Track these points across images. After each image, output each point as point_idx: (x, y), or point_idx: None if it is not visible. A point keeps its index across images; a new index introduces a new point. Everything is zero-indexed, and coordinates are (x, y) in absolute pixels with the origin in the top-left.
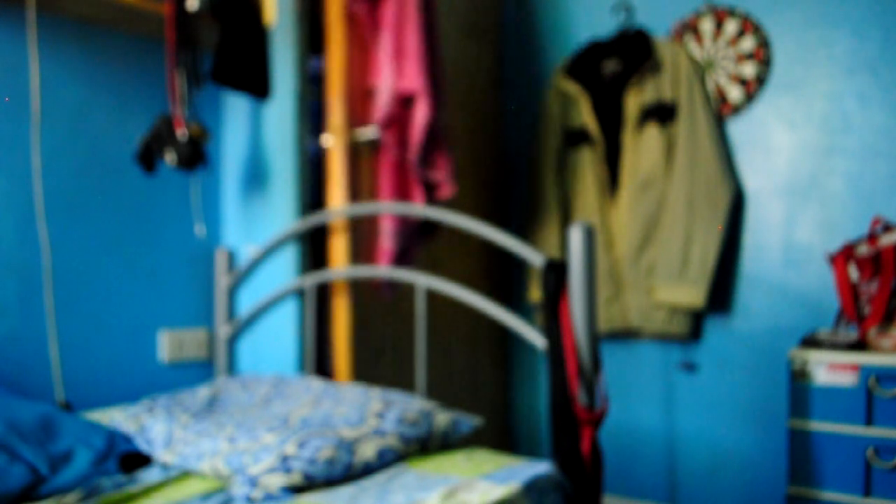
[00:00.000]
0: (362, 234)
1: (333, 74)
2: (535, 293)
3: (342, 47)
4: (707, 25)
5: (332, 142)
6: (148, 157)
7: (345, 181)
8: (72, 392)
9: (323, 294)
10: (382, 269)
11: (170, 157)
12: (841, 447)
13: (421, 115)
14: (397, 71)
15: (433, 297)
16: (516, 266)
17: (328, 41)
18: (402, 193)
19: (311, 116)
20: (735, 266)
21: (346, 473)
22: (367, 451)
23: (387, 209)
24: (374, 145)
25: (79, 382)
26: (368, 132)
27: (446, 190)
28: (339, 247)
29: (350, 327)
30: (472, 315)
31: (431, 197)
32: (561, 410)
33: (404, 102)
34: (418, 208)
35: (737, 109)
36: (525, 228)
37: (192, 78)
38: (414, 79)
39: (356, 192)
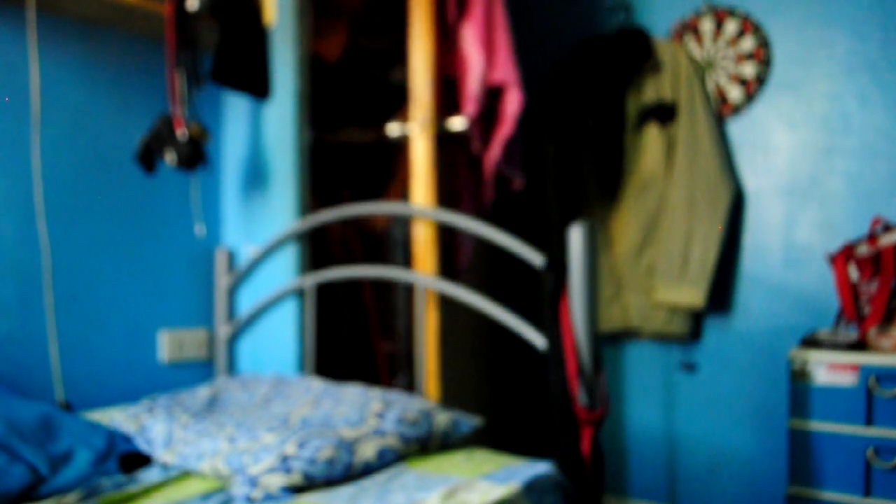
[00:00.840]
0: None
1: (418, 62)
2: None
3: (429, 34)
4: (707, 25)
5: (417, 133)
6: (148, 157)
7: (431, 175)
8: (72, 392)
9: (323, 294)
10: (380, 270)
11: (170, 157)
12: (841, 447)
13: (512, 106)
14: (488, 62)
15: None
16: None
17: (412, 28)
18: (478, 187)
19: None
20: (735, 266)
21: (346, 473)
22: (367, 451)
23: (384, 210)
24: (458, 137)
25: (79, 382)
26: (456, 123)
27: (518, 183)
28: (428, 254)
29: (439, 339)
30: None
31: (504, 190)
32: (561, 410)
33: (489, 94)
34: (419, 209)
35: (737, 109)
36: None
37: (192, 78)
38: (506, 70)
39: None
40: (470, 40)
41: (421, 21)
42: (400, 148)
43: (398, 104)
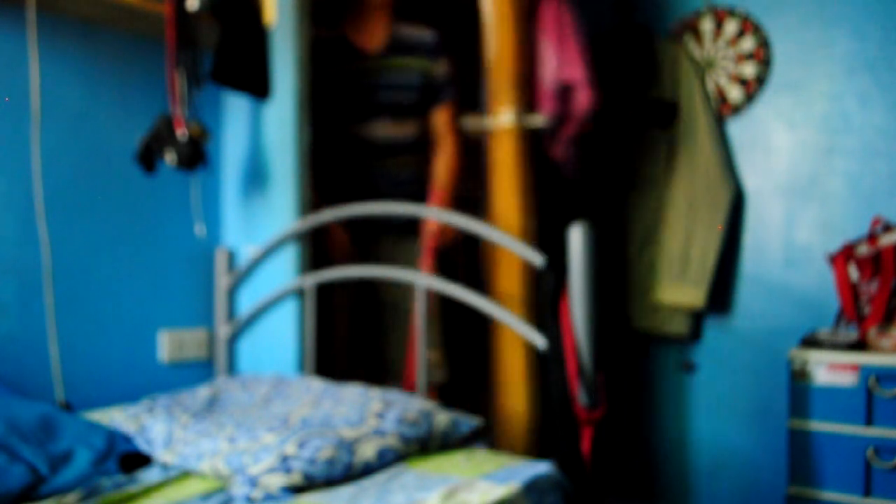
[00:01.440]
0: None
1: (500, 55)
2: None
3: (512, 25)
4: (707, 25)
5: (501, 129)
6: (148, 157)
7: (520, 175)
8: (72, 392)
9: (323, 294)
10: (381, 270)
11: (170, 157)
12: (841, 447)
13: (581, 105)
14: (560, 58)
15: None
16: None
17: (490, 19)
18: (540, 181)
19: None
20: (735, 266)
21: (346, 473)
22: (367, 451)
23: (387, 210)
24: (537, 134)
25: (79, 382)
26: (538, 120)
27: (571, 173)
28: (512, 271)
29: (528, 373)
30: None
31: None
32: (561, 410)
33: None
34: (418, 208)
35: (737, 109)
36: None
37: (192, 78)
38: (576, 67)
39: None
40: (548, 37)
41: (501, 11)
42: (435, 144)
43: (438, 96)
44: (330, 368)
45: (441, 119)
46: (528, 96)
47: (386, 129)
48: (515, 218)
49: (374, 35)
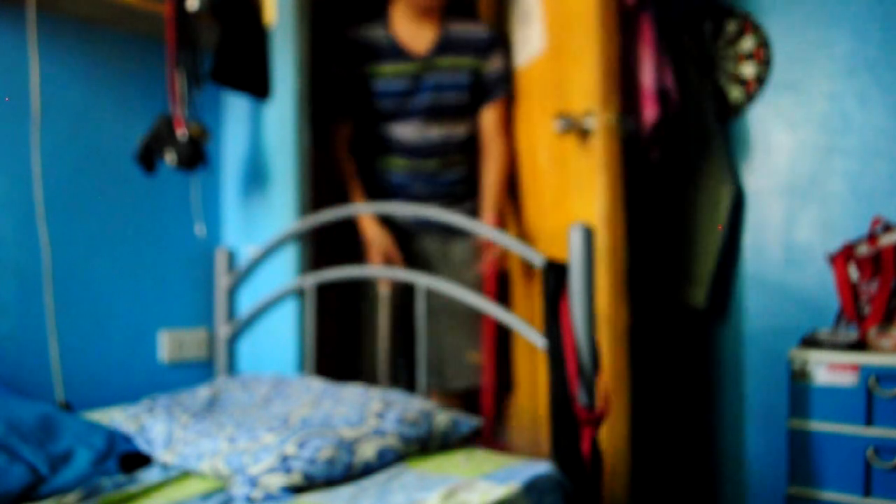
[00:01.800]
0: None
1: (592, 53)
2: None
3: (607, 20)
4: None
5: (600, 131)
6: (148, 157)
7: (619, 183)
8: (72, 392)
9: (323, 294)
10: (383, 270)
11: (170, 157)
12: (841, 447)
13: (672, 108)
14: (660, 67)
15: None
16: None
17: (578, 13)
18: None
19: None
20: (735, 266)
21: (346, 473)
22: (367, 451)
23: (387, 210)
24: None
25: (79, 382)
26: (631, 123)
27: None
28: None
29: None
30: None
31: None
32: (561, 410)
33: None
34: (414, 208)
35: (737, 109)
36: None
37: (192, 78)
38: (669, 74)
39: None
40: (643, 46)
41: (606, 22)
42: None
43: (489, 95)
44: (373, 370)
45: (491, 118)
46: (624, 100)
47: (431, 130)
48: (617, 218)
49: (423, 36)
